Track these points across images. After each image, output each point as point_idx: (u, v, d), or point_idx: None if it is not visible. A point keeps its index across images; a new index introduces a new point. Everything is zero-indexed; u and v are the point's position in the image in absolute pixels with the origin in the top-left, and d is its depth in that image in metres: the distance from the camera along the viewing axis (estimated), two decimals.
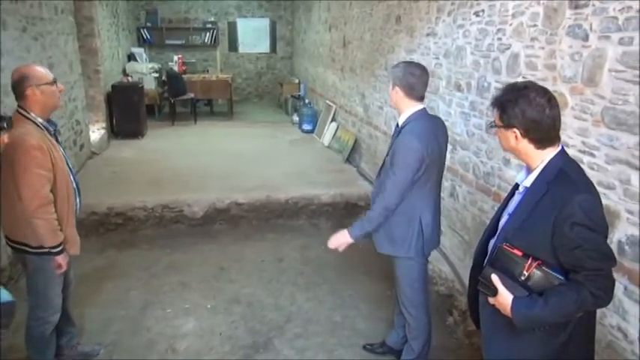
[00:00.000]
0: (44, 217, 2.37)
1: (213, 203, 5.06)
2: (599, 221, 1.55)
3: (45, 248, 2.45)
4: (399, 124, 2.60)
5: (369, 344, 3.21)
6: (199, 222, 5.01)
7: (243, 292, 3.83)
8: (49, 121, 2.52)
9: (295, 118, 9.29)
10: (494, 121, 1.73)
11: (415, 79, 2.48)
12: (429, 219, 2.63)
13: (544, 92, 1.62)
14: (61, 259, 2.51)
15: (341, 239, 2.65)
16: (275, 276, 4.10)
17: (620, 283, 2.16)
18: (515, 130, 1.64)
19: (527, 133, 1.63)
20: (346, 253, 4.42)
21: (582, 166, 2.38)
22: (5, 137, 2.14)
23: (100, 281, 3.88)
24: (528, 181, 1.69)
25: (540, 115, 1.59)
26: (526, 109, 1.60)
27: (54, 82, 2.43)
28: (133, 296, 3.71)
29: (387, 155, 2.64)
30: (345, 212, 5.28)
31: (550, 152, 1.65)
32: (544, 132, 1.62)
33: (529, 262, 1.60)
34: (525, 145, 1.66)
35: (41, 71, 2.42)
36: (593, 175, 2.31)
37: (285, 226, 5.08)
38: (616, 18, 2.17)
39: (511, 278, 1.63)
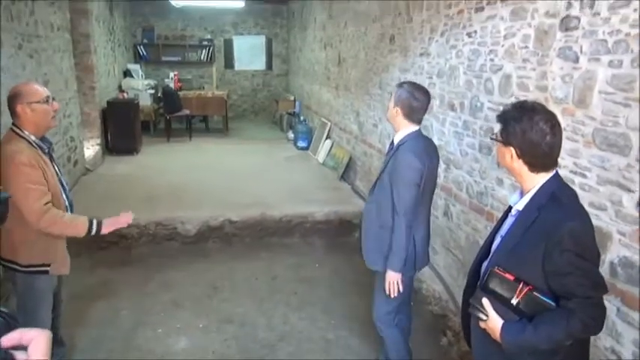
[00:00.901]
0: (53, 221, 2.35)
1: (207, 221, 5.04)
2: (589, 248, 1.55)
3: (34, 267, 2.40)
4: (394, 142, 2.64)
5: None
6: (193, 240, 4.99)
7: (236, 311, 3.79)
8: (43, 139, 2.50)
9: (290, 134, 9.32)
10: (496, 134, 1.73)
11: (418, 105, 2.54)
12: (421, 235, 2.70)
13: (550, 118, 1.60)
14: (110, 225, 2.57)
15: (392, 281, 2.61)
16: (268, 295, 4.06)
17: (613, 305, 2.15)
18: (512, 148, 1.64)
19: (523, 155, 1.63)
20: (339, 272, 4.46)
21: (574, 186, 2.40)
22: None
23: (91, 300, 3.83)
24: (520, 205, 1.68)
25: (539, 140, 1.58)
26: (527, 130, 1.59)
27: (47, 100, 2.39)
28: (124, 316, 3.67)
29: (381, 172, 2.68)
30: (339, 230, 5.27)
31: (544, 176, 1.65)
32: (539, 157, 1.61)
33: (520, 286, 1.59)
34: (520, 166, 1.66)
35: (35, 89, 2.40)
36: (584, 197, 2.31)
37: (279, 245, 5.06)
38: (605, 41, 2.20)
39: (502, 302, 1.62)
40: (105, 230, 2.54)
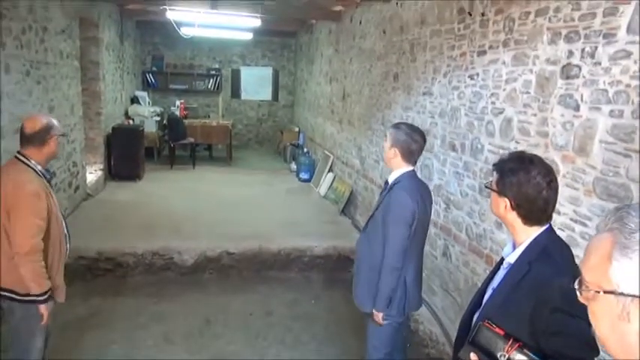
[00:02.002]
0: (33, 264, 2.35)
1: (204, 252, 4.99)
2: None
3: (31, 296, 2.40)
4: (389, 182, 2.64)
5: None
6: (189, 270, 4.93)
7: (229, 349, 3.71)
8: (46, 169, 2.55)
9: (293, 166, 9.33)
10: (491, 183, 1.70)
11: (416, 147, 2.55)
12: (412, 277, 2.65)
13: (547, 172, 1.58)
14: (44, 309, 2.46)
15: (377, 317, 2.63)
16: (262, 332, 3.98)
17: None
18: (506, 199, 1.61)
19: (517, 207, 1.60)
20: (336, 309, 4.38)
21: (574, 235, 2.37)
22: None
23: (82, 332, 3.75)
24: (512, 258, 1.64)
25: (535, 194, 1.56)
26: (523, 183, 1.56)
27: (64, 134, 2.56)
28: (114, 350, 3.59)
29: (376, 209, 2.66)
30: (337, 265, 5.21)
31: (537, 230, 1.61)
32: (534, 211, 1.58)
33: (510, 342, 1.53)
34: (513, 218, 1.63)
35: (57, 123, 2.53)
36: (584, 246, 2.26)
37: (276, 279, 4.99)
38: (606, 91, 2.20)
39: (491, 358, 1.56)
40: (42, 308, 2.44)
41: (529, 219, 1.60)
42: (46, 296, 2.43)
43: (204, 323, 4.04)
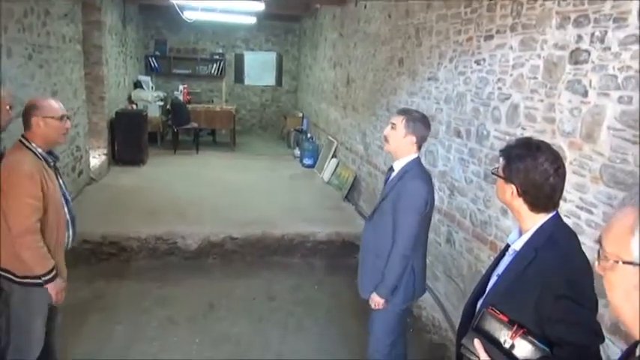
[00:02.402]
0: (31, 246, 2.34)
1: (208, 237, 5.00)
2: (586, 295, 1.48)
3: (30, 278, 2.39)
4: (395, 169, 2.61)
5: None
6: (192, 255, 4.95)
7: (232, 331, 3.73)
8: (50, 152, 2.53)
9: (297, 151, 9.31)
10: (497, 169, 1.68)
11: (427, 133, 2.58)
12: (420, 265, 2.66)
13: (555, 159, 1.56)
14: (54, 288, 2.45)
15: (375, 303, 2.63)
16: (265, 315, 4.00)
17: (618, 348, 2.08)
18: (513, 186, 1.59)
19: (523, 194, 1.58)
20: (339, 295, 4.39)
21: (579, 222, 2.35)
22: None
23: (87, 314, 3.79)
24: (518, 244, 1.63)
25: (542, 181, 1.54)
26: (530, 170, 1.55)
27: (61, 118, 2.45)
28: (119, 332, 3.62)
29: (383, 199, 2.62)
30: (340, 251, 5.21)
31: (543, 217, 1.60)
32: (541, 198, 1.57)
33: (514, 328, 1.52)
34: (520, 204, 1.62)
35: (52, 105, 2.46)
36: (590, 233, 2.26)
37: (279, 264, 5.00)
38: (615, 76, 2.17)
39: (495, 344, 1.56)
40: (50, 287, 2.44)
41: (536, 206, 1.58)
42: (51, 275, 2.42)
43: (207, 307, 4.06)
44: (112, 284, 4.33)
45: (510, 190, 1.60)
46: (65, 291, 2.55)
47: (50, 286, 2.44)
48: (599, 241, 1.04)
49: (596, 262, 1.04)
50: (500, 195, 1.69)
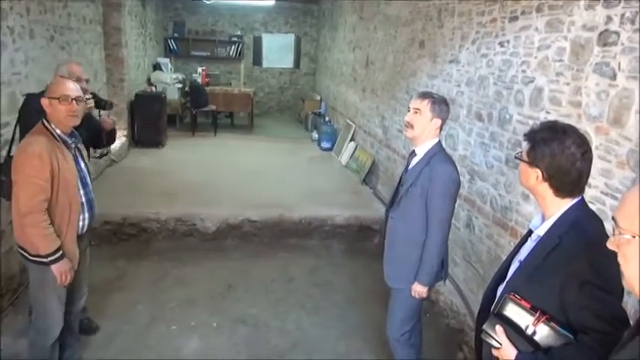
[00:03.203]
0: (35, 224, 2.34)
1: (227, 219, 5.04)
2: (612, 281, 1.44)
3: (42, 257, 2.40)
4: (419, 154, 2.57)
5: None
6: (211, 237, 4.99)
7: (250, 312, 3.78)
8: (71, 133, 2.53)
9: (315, 135, 9.29)
10: (521, 153, 1.64)
11: (448, 115, 2.58)
12: (447, 249, 2.66)
13: (582, 142, 1.52)
14: (58, 269, 2.42)
15: (419, 294, 2.60)
16: (283, 297, 4.04)
17: None
18: (538, 170, 1.56)
19: (549, 178, 1.55)
20: (357, 278, 4.41)
21: (604, 208, 2.31)
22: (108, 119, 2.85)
23: (108, 293, 3.86)
24: (541, 230, 1.60)
25: (569, 165, 1.51)
26: (557, 154, 1.51)
27: (64, 98, 2.38)
28: (140, 310, 3.69)
29: (411, 185, 2.54)
30: (358, 235, 5.21)
31: (568, 202, 1.57)
32: (567, 183, 1.53)
33: (537, 315, 1.51)
34: (544, 189, 1.58)
35: (59, 85, 2.42)
36: None
37: (297, 246, 5.03)
38: None
39: (516, 331, 1.54)
40: (54, 268, 2.41)
41: (561, 191, 1.55)
42: (55, 256, 2.40)
43: (226, 288, 4.11)
44: (133, 264, 4.41)
45: (535, 174, 1.57)
46: (71, 273, 2.49)
47: (54, 267, 2.42)
48: (614, 218, 1.08)
49: (612, 239, 1.08)
50: (524, 180, 1.65)
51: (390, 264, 2.71)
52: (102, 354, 3.15)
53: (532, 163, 1.57)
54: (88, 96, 3.00)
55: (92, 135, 3.15)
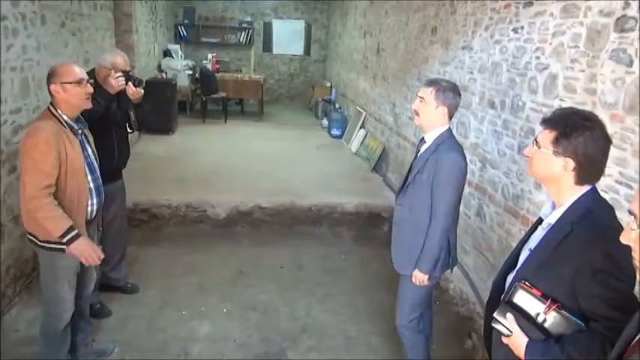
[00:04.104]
0: (41, 208, 2.32)
1: (237, 206, 5.06)
2: (625, 269, 1.43)
3: (52, 243, 2.40)
4: (427, 141, 2.57)
5: None
6: (222, 223, 5.02)
7: (260, 298, 3.80)
8: (78, 119, 2.54)
9: (325, 122, 9.26)
10: (535, 142, 1.60)
11: (458, 102, 2.51)
12: (453, 237, 2.64)
13: (606, 131, 1.52)
14: (77, 248, 2.38)
15: (419, 281, 2.59)
16: (293, 284, 4.06)
17: None
18: (568, 160, 1.52)
19: (578, 168, 1.52)
20: (367, 266, 4.42)
21: (618, 197, 2.28)
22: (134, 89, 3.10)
23: None
24: (553, 218, 1.59)
25: (598, 154, 1.50)
26: (589, 144, 1.49)
27: (79, 82, 2.41)
28: (151, 295, 3.73)
29: (417, 172, 2.55)
30: (368, 222, 5.22)
31: (582, 190, 1.55)
32: (593, 171, 1.53)
33: (548, 303, 1.50)
34: (567, 178, 1.56)
35: (69, 69, 2.42)
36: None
37: (307, 234, 5.04)
38: None
39: (527, 319, 1.54)
40: (72, 248, 2.39)
41: (583, 179, 1.54)
42: (70, 235, 2.36)
43: (236, 274, 4.14)
44: (144, 250, 4.44)
45: (562, 164, 1.54)
46: (96, 253, 2.47)
47: (72, 247, 2.38)
48: (631, 212, 1.05)
49: (630, 234, 1.06)
50: (543, 169, 1.60)
51: (397, 250, 2.72)
52: (114, 337, 3.20)
53: (562, 152, 1.53)
54: (119, 74, 3.11)
55: (125, 112, 3.33)
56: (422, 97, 2.48)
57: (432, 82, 2.51)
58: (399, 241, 2.70)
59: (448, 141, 2.49)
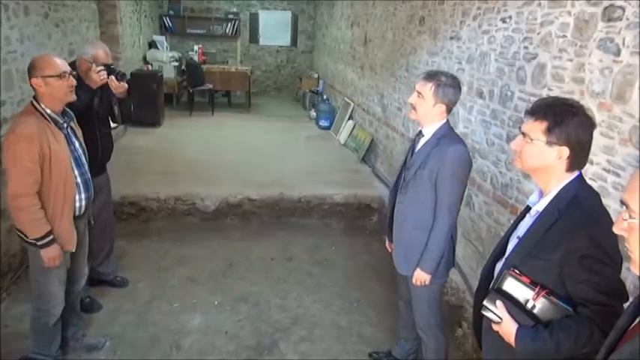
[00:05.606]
0: (24, 208, 2.32)
1: (226, 198, 5.04)
2: (611, 254, 1.46)
3: (38, 240, 2.38)
4: (426, 135, 2.47)
5: (375, 352, 3.16)
6: (211, 216, 5.00)
7: (251, 290, 3.80)
8: (63, 112, 2.49)
9: (313, 113, 9.24)
10: (523, 135, 1.60)
11: (458, 97, 2.42)
12: (456, 234, 2.59)
13: (587, 112, 1.56)
14: (47, 253, 2.40)
15: (420, 281, 2.49)
16: (283, 275, 4.07)
17: None
18: (562, 148, 1.53)
19: (571, 154, 1.54)
20: (356, 256, 4.44)
21: (605, 185, 2.31)
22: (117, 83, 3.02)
23: None
24: (540, 206, 1.61)
25: (588, 138, 1.53)
26: (579, 129, 1.52)
27: (61, 75, 2.36)
28: (141, 289, 3.71)
29: (419, 167, 2.44)
30: (357, 213, 5.23)
31: (569, 177, 1.58)
32: (583, 156, 1.56)
33: (537, 289, 1.52)
34: (560, 166, 1.57)
35: (50, 62, 2.37)
36: (616, 196, 2.22)
37: (297, 225, 5.04)
38: None
39: (517, 306, 1.56)
40: (43, 252, 2.39)
41: (573, 166, 1.57)
42: (45, 240, 2.38)
43: (227, 266, 4.14)
44: (133, 243, 4.41)
45: (556, 153, 1.54)
46: (60, 259, 2.47)
47: (43, 252, 2.40)
48: (623, 202, 1.05)
49: (623, 224, 1.04)
50: (535, 160, 1.60)
51: (400, 251, 2.58)
52: (104, 331, 3.18)
53: (554, 141, 1.54)
54: (100, 67, 3.02)
55: (108, 106, 3.28)
56: (420, 93, 2.37)
57: (431, 77, 2.37)
58: (402, 241, 2.58)
59: (449, 134, 2.41)
